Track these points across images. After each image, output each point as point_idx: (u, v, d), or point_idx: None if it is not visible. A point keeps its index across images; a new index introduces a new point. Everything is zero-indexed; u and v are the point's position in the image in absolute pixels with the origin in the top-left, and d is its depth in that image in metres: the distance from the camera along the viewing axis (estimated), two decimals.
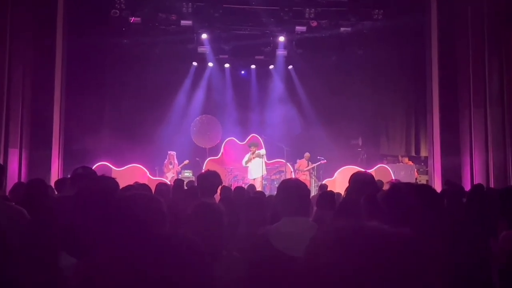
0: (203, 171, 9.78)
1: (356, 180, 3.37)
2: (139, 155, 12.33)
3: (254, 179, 12.35)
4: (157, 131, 13.74)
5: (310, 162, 13.32)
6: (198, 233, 2.26)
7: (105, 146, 12.96)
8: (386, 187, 6.53)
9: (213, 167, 13.37)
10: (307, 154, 13.26)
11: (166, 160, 13.06)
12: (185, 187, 7.64)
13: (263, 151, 12.78)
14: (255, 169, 12.47)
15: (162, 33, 13.26)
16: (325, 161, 13.15)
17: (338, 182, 11.81)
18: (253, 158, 12.51)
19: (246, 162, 12.60)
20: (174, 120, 14.41)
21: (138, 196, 1.88)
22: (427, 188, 2.08)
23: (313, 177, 13.40)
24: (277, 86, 15.21)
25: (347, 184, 3.47)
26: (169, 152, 13.11)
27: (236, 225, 3.49)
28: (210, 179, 4.12)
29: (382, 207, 2.00)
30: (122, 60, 13.53)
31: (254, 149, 12.54)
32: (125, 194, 2.23)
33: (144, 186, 5.61)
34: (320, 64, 14.26)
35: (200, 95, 15.05)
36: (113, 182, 2.94)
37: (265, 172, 12.68)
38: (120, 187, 3.89)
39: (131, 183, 5.14)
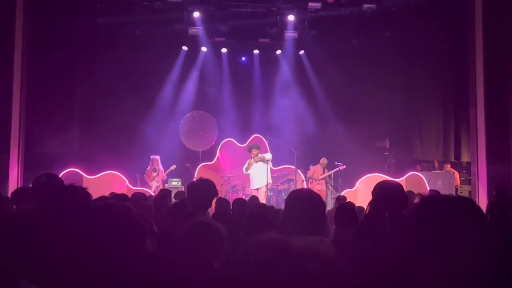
0: (194, 179, 9.82)
1: (381, 192, 3.38)
2: (116, 160, 12.36)
3: (257, 189, 12.36)
4: (139, 131, 13.77)
5: (326, 169, 13.31)
6: (190, 259, 2.27)
7: (75, 149, 13.01)
8: (416, 200, 6.55)
9: (206, 175, 13.37)
10: (322, 160, 13.26)
11: (149, 166, 13.09)
12: (173, 199, 7.66)
13: (268, 155, 12.77)
14: (259, 178, 12.46)
15: (145, 11, 13.29)
16: (344, 167, 13.13)
17: (360, 193, 11.79)
18: (256, 162, 12.49)
19: (247, 169, 12.59)
20: (160, 118, 14.44)
21: (113, 209, 1.89)
22: (467, 202, 2.07)
23: (330, 187, 13.39)
24: (286, 75, 15.23)
25: (370, 197, 3.47)
26: (152, 156, 13.13)
27: (234, 247, 3.50)
28: (203, 190, 4.14)
29: (409, 226, 2.01)
30: (95, 45, 13.56)
31: (255, 152, 12.53)
32: (97, 206, 2.24)
33: (122, 198, 5.62)
34: (338, 49, 14.25)
35: (191, 86, 15.08)
36: (83, 193, 2.96)
37: (270, 181, 12.68)
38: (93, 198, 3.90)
39: (107, 194, 5.16)
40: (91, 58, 13.61)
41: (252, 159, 12.51)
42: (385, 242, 2.95)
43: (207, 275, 2.14)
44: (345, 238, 3.84)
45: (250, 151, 12.70)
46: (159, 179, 12.99)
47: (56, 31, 12.38)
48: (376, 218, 3.32)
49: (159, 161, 13.12)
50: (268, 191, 12.68)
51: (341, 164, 13.19)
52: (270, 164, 12.89)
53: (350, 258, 3.11)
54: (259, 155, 12.61)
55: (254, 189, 12.38)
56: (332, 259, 1.01)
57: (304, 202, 2.83)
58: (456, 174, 13.49)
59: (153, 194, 11.00)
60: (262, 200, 11.12)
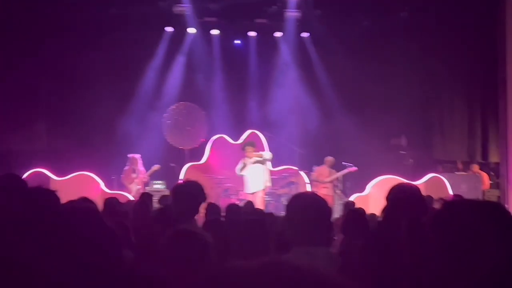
0: (180, 181, 9.75)
1: (396, 197, 3.38)
2: (89, 160, 12.35)
3: (253, 193, 12.30)
4: (116, 126, 13.73)
5: (333, 171, 13.30)
6: (172, 273, 2.26)
7: (41, 147, 12.96)
8: (436, 206, 6.57)
9: (194, 176, 13.34)
10: (329, 159, 13.23)
11: (127, 166, 13.03)
12: (158, 205, 7.64)
13: (267, 154, 12.70)
14: (255, 180, 12.41)
15: None
16: (355, 168, 13.12)
17: (373, 198, 11.80)
18: (253, 162, 12.44)
19: (241, 169, 12.53)
20: (140, 111, 14.41)
21: (81, 213, 1.89)
22: (496, 208, 2.06)
23: (337, 191, 13.37)
24: (286, 61, 15.21)
25: (384, 202, 3.47)
26: (131, 155, 13.10)
27: (226, 259, 3.50)
28: (189, 195, 4.13)
29: (429, 236, 2.00)
30: (63, 28, 13.50)
31: (250, 150, 12.46)
32: (64, 211, 2.24)
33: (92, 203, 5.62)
34: (347, 31, 14.25)
35: (176, 74, 15.04)
36: (51, 196, 2.95)
37: (269, 184, 12.65)
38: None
39: (77, 197, 5.14)
40: (58, 43, 13.53)
41: (248, 159, 12.43)
42: (400, 255, 2.95)
43: None
44: (354, 249, 3.84)
45: (243, 149, 12.62)
46: (139, 181, 12.95)
47: (19, 13, 12.33)
48: (390, 227, 3.33)
49: (139, 161, 13.08)
50: (266, 196, 12.65)
51: (350, 164, 13.16)
52: (268, 164, 12.87)
53: (358, 275, 3.11)
54: (257, 153, 12.54)
55: (250, 193, 12.34)
56: (338, 283, 0.99)
57: (307, 209, 2.82)
58: (484, 176, 13.47)
59: (132, 198, 10.98)
60: (259, 205, 11.09)
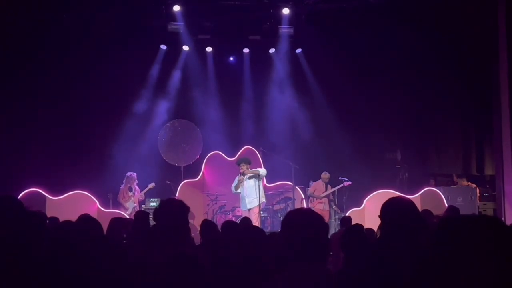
0: (175, 197, 9.70)
1: (389, 211, 3.35)
2: (85, 178, 12.28)
3: (249, 210, 12.28)
4: (111, 144, 13.69)
5: (328, 186, 13.29)
6: None
7: (36, 166, 12.89)
8: (435, 220, 6.54)
9: (190, 193, 13.35)
10: (324, 174, 13.24)
11: (123, 184, 13.01)
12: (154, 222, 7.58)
13: (263, 171, 12.68)
14: (250, 196, 12.39)
15: (116, 4, 13.26)
16: (350, 182, 13.13)
17: (369, 213, 11.80)
18: (249, 179, 12.40)
19: (236, 187, 12.52)
20: (135, 128, 14.37)
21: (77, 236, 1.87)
22: (496, 223, 2.05)
23: (333, 206, 13.37)
24: (280, 78, 15.23)
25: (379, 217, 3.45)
26: (128, 173, 13.07)
27: (223, 277, 3.47)
28: (169, 216, 3.97)
29: (428, 255, 1.98)
30: (60, 44, 13.51)
31: (244, 167, 12.44)
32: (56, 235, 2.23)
33: (91, 221, 5.55)
34: (341, 46, 14.30)
35: (171, 91, 15.02)
36: (37, 218, 2.92)
37: (263, 201, 12.62)
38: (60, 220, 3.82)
39: (74, 217, 5.09)
40: (56, 59, 13.53)
41: (243, 176, 12.39)
42: (401, 274, 2.92)
43: None
44: (357, 267, 3.80)
45: (238, 165, 12.60)
46: (135, 199, 12.93)
47: (10, 28, 12.33)
48: (385, 244, 3.30)
49: (136, 179, 13.06)
50: (261, 212, 12.60)
51: (346, 179, 13.18)
52: (263, 180, 12.86)
53: None
54: (252, 169, 12.52)
55: (246, 210, 12.30)
56: None
57: (303, 225, 2.81)
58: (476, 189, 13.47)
59: (128, 217, 10.93)
60: (255, 222, 11.06)
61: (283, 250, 2.90)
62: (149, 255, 3.49)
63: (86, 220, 5.76)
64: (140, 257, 4.12)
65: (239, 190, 12.48)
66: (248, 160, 12.67)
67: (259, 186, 12.35)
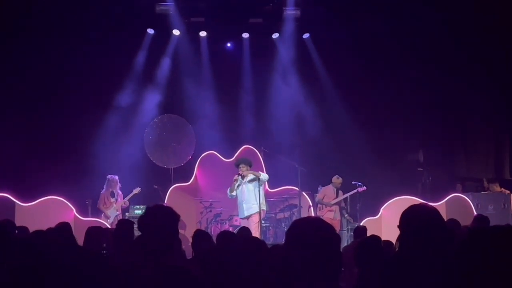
0: (164, 204, 9.64)
1: (410, 220, 3.33)
2: (60, 182, 12.31)
3: (247, 217, 12.20)
4: (90, 143, 13.69)
5: (340, 191, 13.27)
6: None
7: (4, 167, 12.90)
8: (462, 231, 6.52)
9: (181, 199, 13.35)
10: (335, 178, 13.23)
11: (104, 189, 13.05)
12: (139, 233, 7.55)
13: (264, 176, 12.55)
14: (249, 202, 12.30)
15: None
16: (365, 188, 13.12)
17: (386, 223, 11.82)
18: (246, 181, 12.31)
19: (232, 190, 12.36)
20: (118, 125, 14.38)
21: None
22: None
23: (345, 214, 13.37)
24: (285, 66, 15.25)
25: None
26: (109, 176, 13.07)
27: None
28: (156, 226, 3.94)
29: (455, 271, 1.95)
30: (30, 28, 13.51)
31: (244, 169, 12.36)
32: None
33: (64, 229, 5.54)
34: (356, 32, 14.29)
35: (159, 82, 15.07)
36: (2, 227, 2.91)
37: (264, 208, 12.54)
38: (30, 231, 3.80)
39: (46, 226, 5.08)
40: (25, 45, 13.55)
41: (240, 176, 12.28)
42: None
43: None
44: (373, 284, 3.79)
45: (237, 166, 12.53)
46: (118, 206, 12.95)
47: None
48: (405, 258, 3.27)
49: (118, 183, 13.06)
50: (262, 221, 12.51)
51: (360, 184, 13.19)
52: (265, 185, 12.82)
53: None
54: (250, 172, 12.42)
55: (244, 218, 12.22)
56: None
57: (311, 236, 2.77)
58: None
59: (109, 226, 10.94)
60: (255, 233, 11.01)
61: (287, 265, 2.86)
62: (134, 269, 3.45)
63: (61, 230, 5.76)
64: (123, 271, 4.09)
65: (234, 193, 12.30)
66: (248, 161, 12.50)
67: (259, 191, 12.21)
